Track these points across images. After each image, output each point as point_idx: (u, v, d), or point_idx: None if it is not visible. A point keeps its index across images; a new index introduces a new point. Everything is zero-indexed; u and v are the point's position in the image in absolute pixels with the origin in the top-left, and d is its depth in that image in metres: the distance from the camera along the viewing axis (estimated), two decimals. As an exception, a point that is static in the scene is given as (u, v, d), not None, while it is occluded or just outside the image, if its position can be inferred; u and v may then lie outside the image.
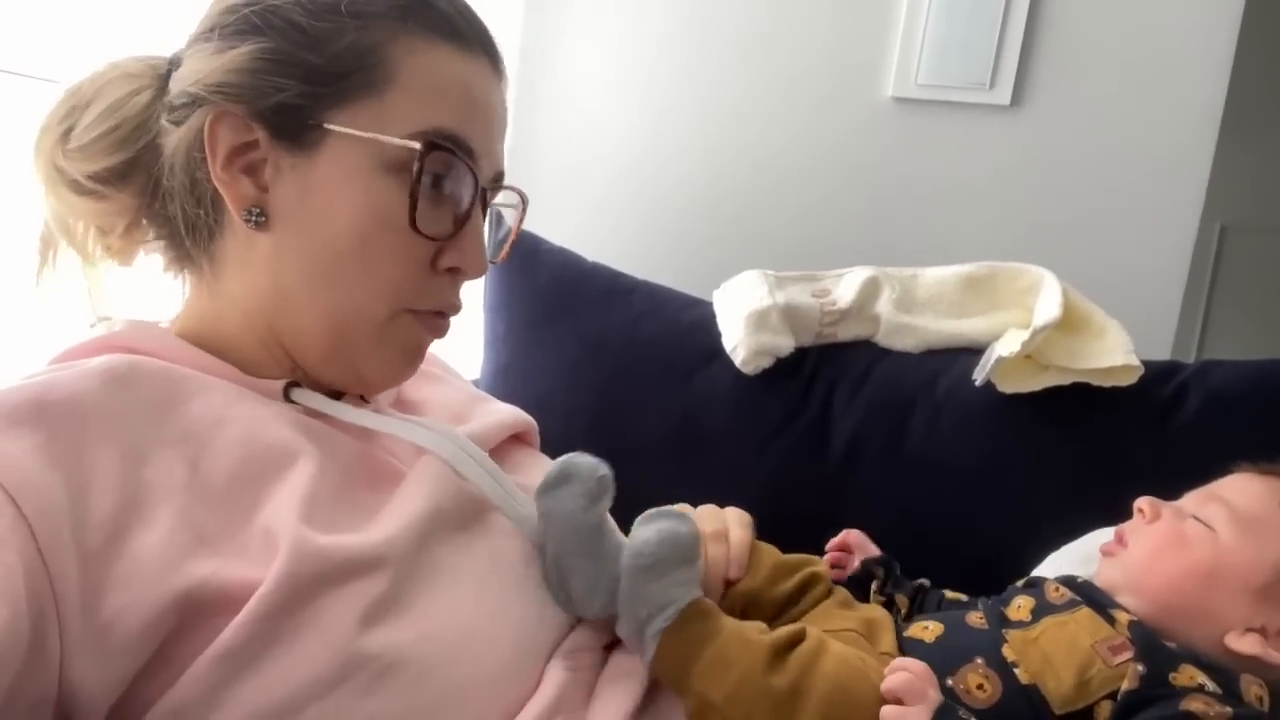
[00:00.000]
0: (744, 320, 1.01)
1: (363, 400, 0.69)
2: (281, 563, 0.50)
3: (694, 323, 1.08)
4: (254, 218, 0.60)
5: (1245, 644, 0.62)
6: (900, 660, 0.61)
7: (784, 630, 0.61)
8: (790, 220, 1.31)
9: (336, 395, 0.67)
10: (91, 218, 0.65)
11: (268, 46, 0.59)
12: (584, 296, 1.12)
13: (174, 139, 0.61)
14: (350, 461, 0.61)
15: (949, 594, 0.79)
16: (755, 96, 1.31)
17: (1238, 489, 0.68)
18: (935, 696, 0.58)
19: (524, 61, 1.36)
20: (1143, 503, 0.71)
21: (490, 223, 0.75)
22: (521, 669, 0.57)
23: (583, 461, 0.64)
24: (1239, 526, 0.65)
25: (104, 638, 0.47)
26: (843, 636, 0.65)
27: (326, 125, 0.59)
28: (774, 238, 1.31)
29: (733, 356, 1.02)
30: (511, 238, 0.78)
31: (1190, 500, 0.71)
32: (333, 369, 0.64)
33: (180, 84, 0.61)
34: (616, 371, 1.07)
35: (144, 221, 0.65)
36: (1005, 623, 0.67)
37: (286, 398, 0.63)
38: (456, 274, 0.64)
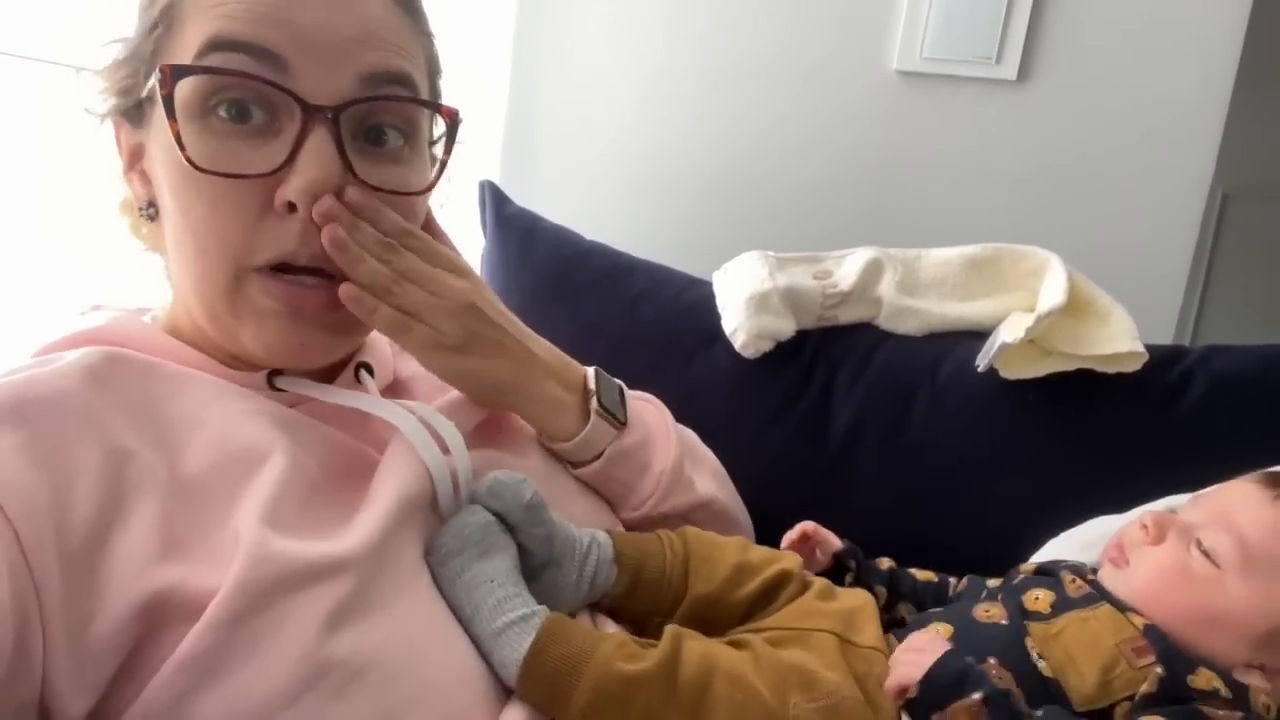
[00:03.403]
0: (744, 303, 1.00)
1: (358, 383, 0.67)
2: (238, 567, 0.48)
3: (694, 304, 1.06)
4: (145, 212, 0.61)
5: (1249, 678, 0.61)
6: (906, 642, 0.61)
7: (662, 652, 0.57)
8: (792, 198, 1.29)
9: (331, 379, 0.65)
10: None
11: (123, 42, 0.59)
12: (582, 277, 1.10)
13: None
14: (330, 455, 0.60)
15: (917, 573, 0.78)
16: (756, 70, 1.28)
17: (1253, 517, 0.65)
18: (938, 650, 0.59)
19: (520, 36, 1.32)
20: (1148, 519, 0.68)
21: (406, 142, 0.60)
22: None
23: (507, 493, 0.61)
24: (1247, 569, 0.62)
25: (80, 642, 0.46)
26: (815, 638, 0.63)
27: (143, 95, 0.57)
28: (775, 216, 1.29)
29: (732, 340, 1.01)
30: (442, 161, 0.64)
31: (1199, 513, 0.68)
32: (240, 352, 0.60)
33: None
34: (614, 354, 1.04)
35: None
36: (1025, 614, 0.66)
37: (272, 386, 0.61)
38: (294, 210, 0.54)
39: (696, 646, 0.58)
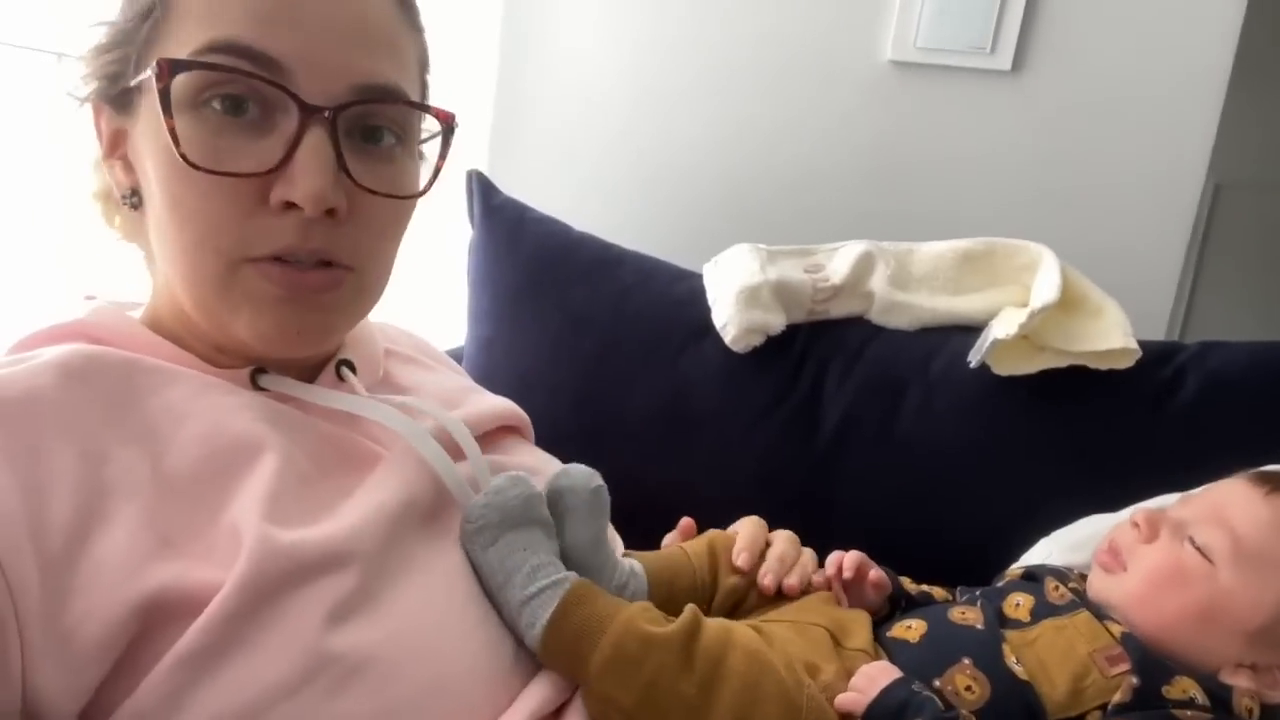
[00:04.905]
0: (734, 297, 0.98)
1: (340, 381, 0.66)
2: (243, 563, 0.47)
3: (684, 297, 1.05)
4: (128, 200, 0.60)
5: (1238, 679, 0.61)
6: (860, 670, 0.61)
7: (682, 621, 0.58)
8: (783, 189, 1.27)
9: (312, 377, 0.64)
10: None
11: (109, 25, 0.58)
12: (571, 268, 1.09)
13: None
14: (322, 447, 0.59)
15: (924, 587, 0.77)
16: (748, 60, 1.26)
17: (1244, 513, 0.65)
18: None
19: (509, 27, 1.30)
20: (1140, 518, 0.68)
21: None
22: (494, 665, 0.56)
23: (578, 475, 0.64)
24: (1240, 564, 0.62)
25: (67, 645, 0.45)
26: (811, 631, 0.65)
27: (132, 83, 0.56)
28: (766, 207, 1.27)
29: (723, 334, 0.99)
30: (436, 166, 0.65)
31: (1192, 510, 0.68)
32: (225, 343, 0.60)
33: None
34: (603, 346, 1.04)
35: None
36: (1004, 621, 0.66)
37: (256, 384, 0.60)
38: (294, 209, 0.54)
39: (715, 622, 0.60)
